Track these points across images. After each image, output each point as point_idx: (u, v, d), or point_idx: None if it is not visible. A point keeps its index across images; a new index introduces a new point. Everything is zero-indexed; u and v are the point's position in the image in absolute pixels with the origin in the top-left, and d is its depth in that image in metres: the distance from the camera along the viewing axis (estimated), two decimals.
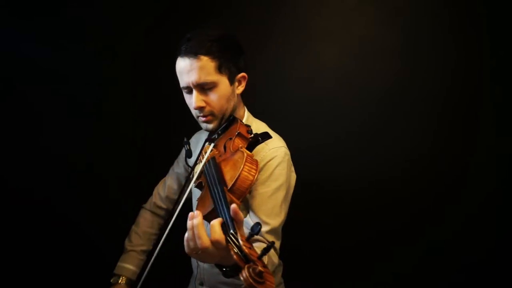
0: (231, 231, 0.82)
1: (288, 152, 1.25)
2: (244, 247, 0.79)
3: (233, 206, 0.85)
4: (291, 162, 1.27)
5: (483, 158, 1.95)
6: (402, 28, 1.94)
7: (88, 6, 1.95)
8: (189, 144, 1.31)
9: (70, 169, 2.02)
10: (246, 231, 0.98)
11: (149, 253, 1.35)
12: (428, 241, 2.02)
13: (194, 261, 1.42)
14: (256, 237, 0.98)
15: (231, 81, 1.21)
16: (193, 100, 1.18)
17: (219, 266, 0.90)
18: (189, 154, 1.28)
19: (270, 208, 1.15)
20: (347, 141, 2.03)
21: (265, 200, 1.15)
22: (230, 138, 1.15)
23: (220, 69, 1.17)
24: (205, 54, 1.14)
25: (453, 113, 1.96)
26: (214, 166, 1.07)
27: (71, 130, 2.01)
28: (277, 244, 1.17)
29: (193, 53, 1.14)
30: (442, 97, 1.96)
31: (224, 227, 0.85)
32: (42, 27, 1.94)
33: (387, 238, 2.04)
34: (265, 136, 1.13)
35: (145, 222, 1.50)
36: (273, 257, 1.12)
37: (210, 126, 1.23)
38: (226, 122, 1.23)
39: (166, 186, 1.51)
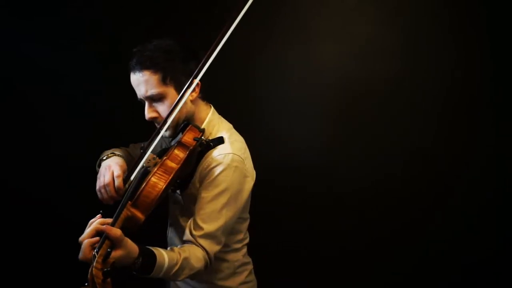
0: (96, 250, 0.93)
1: (237, 159, 1.21)
2: (94, 268, 0.88)
3: (107, 226, 0.95)
4: (244, 168, 1.23)
5: (483, 158, 1.95)
6: (402, 28, 1.94)
7: (88, 6, 1.95)
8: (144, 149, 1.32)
9: (70, 169, 2.02)
10: (187, 231, 1.16)
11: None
12: (428, 241, 2.02)
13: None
14: (191, 239, 1.14)
15: (179, 90, 1.22)
16: (145, 112, 1.24)
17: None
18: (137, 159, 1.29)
19: (208, 212, 1.17)
20: (347, 141, 2.03)
21: (204, 205, 1.17)
22: (172, 147, 1.18)
23: (164, 81, 1.19)
24: (148, 68, 1.18)
25: (453, 113, 1.96)
26: (139, 176, 1.11)
27: (71, 130, 2.01)
28: (214, 248, 1.18)
29: (138, 67, 1.18)
30: (442, 97, 1.96)
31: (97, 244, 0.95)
32: (42, 27, 1.94)
33: (387, 238, 2.04)
34: (216, 142, 1.18)
35: (124, 150, 1.50)
36: (195, 263, 1.13)
37: (167, 133, 1.26)
38: (181, 128, 1.25)
39: (135, 149, 1.52)
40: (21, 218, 2.01)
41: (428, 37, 1.93)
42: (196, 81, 1.21)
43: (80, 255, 0.96)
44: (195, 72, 1.20)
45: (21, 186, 1.98)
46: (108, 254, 0.90)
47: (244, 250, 1.41)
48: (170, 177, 1.07)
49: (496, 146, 1.93)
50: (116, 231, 0.95)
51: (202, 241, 1.16)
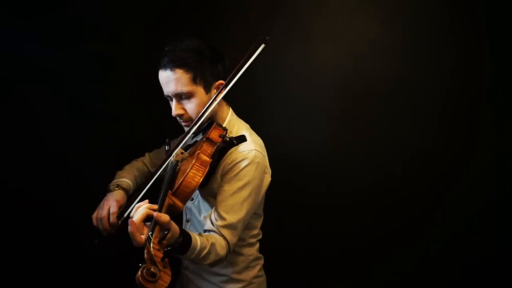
0: (150, 232, 0.96)
1: (260, 155, 1.29)
2: (152, 249, 0.91)
3: (156, 213, 1.00)
4: (264, 165, 1.32)
5: (483, 158, 1.95)
6: (402, 28, 1.94)
7: (88, 6, 1.95)
8: (169, 145, 1.44)
9: (70, 169, 2.02)
10: (209, 221, 1.23)
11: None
12: (428, 241, 2.02)
13: None
14: (213, 228, 1.21)
15: (207, 90, 1.30)
16: (172, 109, 1.30)
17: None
18: (167, 153, 1.37)
19: (230, 204, 1.24)
20: (347, 141, 2.03)
21: (227, 197, 1.24)
22: (200, 143, 1.24)
23: (195, 80, 1.26)
24: (180, 66, 1.24)
25: (453, 113, 1.96)
26: (171, 169, 1.19)
27: (71, 130, 2.01)
28: (234, 239, 1.25)
29: (170, 66, 1.24)
30: (442, 97, 1.96)
31: (148, 227, 0.99)
32: (42, 27, 1.94)
33: (387, 238, 2.04)
34: (239, 140, 1.25)
35: (138, 164, 1.60)
36: (219, 250, 1.20)
37: (191, 130, 1.31)
38: (205, 126, 1.32)
39: (156, 154, 1.63)
40: (21, 217, 2.01)
41: (428, 37, 1.93)
42: (229, 88, 1.28)
43: (133, 242, 0.98)
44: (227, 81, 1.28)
45: (21, 186, 1.98)
46: (164, 236, 0.96)
47: (258, 245, 1.47)
48: (207, 169, 1.16)
49: (496, 146, 1.93)
50: (166, 217, 1.02)
51: (224, 231, 1.22)
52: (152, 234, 0.96)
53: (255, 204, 1.31)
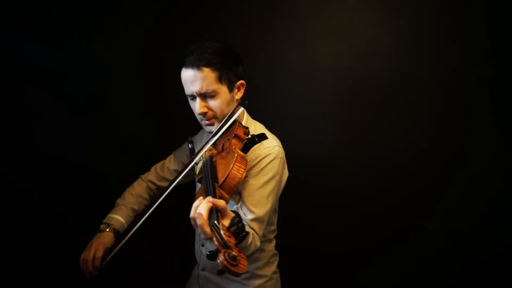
0: (215, 221, 0.98)
1: (282, 151, 1.36)
2: (224, 235, 0.93)
3: (213, 199, 1.02)
4: (285, 160, 1.38)
5: (483, 158, 1.95)
6: (402, 28, 1.94)
7: (88, 6, 1.96)
8: (192, 143, 1.45)
9: (70, 169, 2.02)
10: (240, 213, 1.26)
11: (139, 216, 1.39)
12: (428, 241, 2.02)
13: (197, 250, 1.53)
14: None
15: (231, 89, 1.35)
16: (196, 107, 1.32)
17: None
18: (192, 152, 1.42)
19: (257, 198, 1.28)
20: (347, 141, 2.03)
21: (254, 191, 1.29)
22: (228, 139, 1.28)
23: (220, 79, 1.30)
24: (207, 66, 1.27)
25: (453, 112, 1.96)
26: (209, 164, 1.21)
27: (71, 130, 2.01)
28: (261, 233, 1.29)
29: (196, 65, 1.27)
30: (442, 97, 1.96)
31: (211, 217, 1.00)
32: (42, 27, 1.94)
33: (387, 238, 2.04)
34: (261, 137, 1.26)
35: (140, 187, 1.62)
36: (256, 241, 1.25)
37: (213, 128, 1.36)
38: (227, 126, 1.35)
39: (165, 167, 1.63)
40: (21, 217, 2.01)
41: (428, 37, 1.93)
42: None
43: (203, 235, 0.99)
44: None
45: (21, 185, 1.99)
46: (234, 224, 0.98)
47: (275, 241, 1.53)
48: (247, 164, 1.20)
49: (496, 146, 1.93)
50: (222, 202, 1.04)
51: (253, 224, 1.26)
52: (218, 222, 0.98)
53: (277, 197, 1.38)
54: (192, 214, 1.03)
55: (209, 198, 1.04)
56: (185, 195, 1.49)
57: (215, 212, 1.01)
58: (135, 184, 1.63)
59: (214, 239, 0.95)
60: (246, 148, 1.26)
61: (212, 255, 0.91)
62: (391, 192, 2.02)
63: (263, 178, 1.30)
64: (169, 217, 1.68)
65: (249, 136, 1.27)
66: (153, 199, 1.61)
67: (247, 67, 1.42)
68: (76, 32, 1.97)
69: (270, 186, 1.31)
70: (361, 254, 2.05)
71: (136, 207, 1.56)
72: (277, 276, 1.54)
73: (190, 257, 1.60)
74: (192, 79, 1.29)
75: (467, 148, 1.96)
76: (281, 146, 1.38)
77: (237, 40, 1.98)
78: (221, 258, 0.86)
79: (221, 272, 0.88)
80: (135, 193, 1.59)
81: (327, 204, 2.06)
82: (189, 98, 1.37)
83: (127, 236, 1.33)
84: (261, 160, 1.31)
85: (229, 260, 0.86)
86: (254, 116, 1.51)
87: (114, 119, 2.05)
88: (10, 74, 1.95)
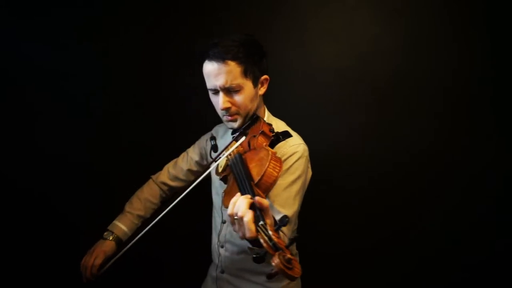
0: (261, 222, 0.90)
1: (307, 149, 1.33)
2: (273, 237, 0.86)
3: (257, 198, 0.93)
4: (309, 158, 1.35)
5: (483, 158, 1.95)
6: (402, 28, 1.94)
7: (88, 6, 1.95)
8: (215, 140, 1.41)
9: (70, 169, 2.02)
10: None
11: (145, 222, 1.42)
12: (428, 241, 2.02)
13: (216, 251, 1.48)
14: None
15: (255, 84, 1.30)
16: (220, 102, 1.26)
17: (252, 252, 0.99)
18: (215, 148, 1.39)
19: (284, 199, 1.23)
20: (347, 141, 2.03)
21: (281, 192, 1.23)
22: (254, 136, 1.22)
23: (245, 73, 1.25)
24: (232, 59, 1.21)
25: (453, 112, 1.96)
26: (240, 162, 1.12)
27: (71, 130, 2.01)
28: (289, 234, 1.24)
29: (221, 58, 1.21)
30: (442, 97, 1.96)
31: (255, 217, 0.93)
32: (42, 27, 1.94)
33: (387, 238, 2.04)
34: (286, 135, 1.22)
35: (150, 191, 1.58)
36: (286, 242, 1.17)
37: (235, 124, 1.31)
38: (250, 121, 1.32)
39: (177, 167, 1.59)
40: (21, 217, 2.01)
41: (428, 37, 1.93)
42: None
43: (248, 234, 0.91)
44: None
45: (20, 186, 1.98)
46: (283, 224, 0.91)
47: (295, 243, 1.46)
48: (282, 162, 1.12)
49: (496, 146, 1.93)
50: (266, 201, 0.96)
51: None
52: (265, 224, 0.90)
53: (303, 197, 1.33)
54: (230, 210, 0.95)
55: (248, 196, 0.96)
56: (197, 195, 1.47)
57: (259, 212, 0.94)
58: (145, 187, 1.59)
59: (262, 240, 0.87)
60: (270, 146, 1.21)
61: (260, 258, 0.86)
62: (391, 192, 2.02)
63: (290, 177, 1.25)
64: (181, 217, 1.66)
65: (274, 133, 1.23)
66: (164, 202, 1.60)
67: None
68: (76, 32, 1.97)
69: (297, 186, 1.26)
70: (361, 254, 2.05)
71: (142, 213, 1.54)
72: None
73: (204, 257, 1.58)
74: (216, 72, 1.22)
75: (467, 148, 1.96)
76: (305, 144, 1.33)
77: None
78: (276, 261, 0.80)
79: (272, 275, 0.83)
80: (143, 198, 1.56)
81: (327, 204, 2.06)
82: (210, 92, 1.30)
83: (127, 247, 1.32)
84: (287, 158, 1.26)
85: (285, 264, 0.80)
86: None
87: (114, 119, 2.05)
88: (10, 74, 1.95)
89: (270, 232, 0.88)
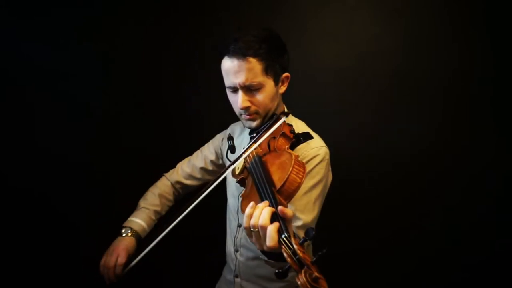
0: (285, 234, 0.83)
1: (328, 152, 1.26)
2: (298, 251, 0.80)
3: (281, 208, 0.86)
4: (330, 162, 1.28)
5: (483, 158, 1.95)
6: (402, 28, 1.94)
7: (88, 6, 1.95)
8: (233, 140, 1.33)
9: (70, 169, 2.02)
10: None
11: (165, 222, 1.28)
12: (428, 241, 2.02)
13: (231, 255, 1.43)
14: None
15: (276, 82, 1.23)
16: (239, 100, 1.19)
17: (273, 266, 0.92)
18: (232, 149, 1.31)
19: (303, 204, 1.17)
20: (347, 141, 2.03)
21: (300, 196, 1.17)
22: (274, 137, 1.15)
23: (267, 71, 1.18)
24: (253, 55, 1.15)
25: (453, 112, 1.96)
26: (260, 165, 1.05)
27: (71, 130, 2.01)
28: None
29: (242, 54, 1.14)
30: (442, 97, 1.96)
31: (278, 229, 0.85)
32: (42, 27, 1.94)
33: (387, 238, 2.04)
34: (307, 136, 1.15)
35: (164, 187, 1.51)
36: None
37: (254, 124, 1.25)
38: (270, 121, 1.24)
39: (191, 165, 1.53)
40: (21, 218, 2.01)
41: (428, 36, 1.93)
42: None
43: (271, 243, 0.84)
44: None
45: (20, 186, 1.98)
46: (309, 237, 0.84)
47: (311, 246, 1.40)
48: (305, 167, 1.03)
49: (496, 146, 1.93)
50: (291, 211, 0.88)
51: (300, 232, 1.14)
52: (289, 236, 0.83)
53: (323, 202, 1.27)
54: (253, 222, 0.86)
55: (270, 205, 0.88)
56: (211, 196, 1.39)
57: (282, 223, 0.85)
58: (159, 183, 1.52)
59: (285, 255, 0.80)
60: (291, 148, 1.13)
61: (283, 273, 0.80)
62: (391, 192, 2.02)
63: (310, 181, 1.18)
64: (194, 219, 1.64)
65: (295, 135, 1.15)
66: (177, 201, 1.53)
67: None
68: (76, 32, 1.97)
69: (318, 191, 1.20)
70: (361, 254, 2.04)
71: (159, 209, 1.46)
72: None
73: (217, 260, 1.56)
74: (237, 69, 1.15)
75: (467, 148, 1.96)
76: (327, 146, 1.27)
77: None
78: (302, 279, 0.74)
79: None
80: (159, 194, 1.48)
81: (327, 204, 2.05)
82: (229, 90, 1.23)
83: (152, 244, 1.20)
84: (308, 161, 1.19)
85: (311, 283, 0.75)
86: None
87: (114, 119, 2.05)
88: (10, 74, 1.95)
89: (295, 246, 0.81)
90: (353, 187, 2.04)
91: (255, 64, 1.15)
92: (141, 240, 1.36)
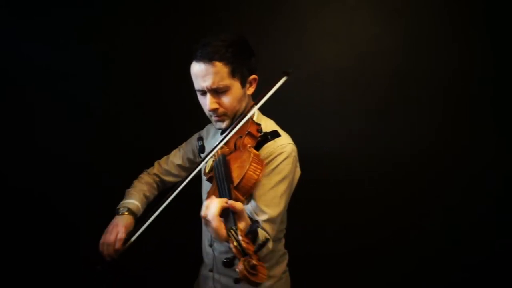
0: (233, 226, 0.91)
1: (295, 149, 1.31)
2: (242, 242, 0.87)
3: (230, 201, 0.95)
4: (297, 158, 1.32)
5: (483, 158, 1.95)
6: (402, 28, 1.94)
7: (88, 6, 1.96)
8: (202, 140, 1.42)
9: (70, 169, 2.02)
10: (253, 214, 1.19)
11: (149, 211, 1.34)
12: (428, 241, 2.02)
13: (205, 250, 1.49)
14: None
15: (243, 84, 1.29)
16: (207, 103, 1.25)
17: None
18: (202, 149, 1.39)
19: (270, 198, 1.22)
20: (347, 141, 2.03)
21: (267, 191, 1.22)
22: (240, 136, 1.21)
23: (233, 74, 1.24)
24: (220, 60, 1.21)
25: (453, 112, 1.96)
26: (223, 163, 1.13)
27: (71, 130, 2.01)
28: (273, 234, 1.23)
29: (208, 58, 1.20)
30: (442, 97, 1.96)
31: (227, 221, 0.94)
32: (42, 27, 1.94)
33: (387, 238, 2.04)
34: (274, 135, 1.22)
35: (147, 177, 1.58)
36: (269, 244, 1.18)
37: (223, 125, 1.31)
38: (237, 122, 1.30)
39: (169, 161, 1.60)
40: (21, 218, 2.01)
41: (428, 36, 1.93)
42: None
43: (217, 238, 0.95)
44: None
45: (20, 186, 1.99)
46: (253, 230, 0.93)
47: (284, 241, 1.47)
48: (263, 164, 1.12)
49: (496, 146, 1.93)
50: (240, 204, 0.97)
51: (266, 226, 1.19)
52: (236, 228, 0.92)
53: (289, 197, 1.32)
54: (203, 213, 0.97)
55: (224, 199, 0.97)
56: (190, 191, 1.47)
57: (232, 215, 0.95)
58: (142, 175, 1.60)
59: (231, 245, 0.88)
60: (258, 146, 1.21)
61: (229, 263, 0.87)
62: (391, 192, 2.02)
63: (276, 177, 1.24)
64: (173, 215, 1.66)
65: (262, 134, 1.22)
66: (160, 194, 1.58)
67: None
68: (76, 32, 1.97)
69: (283, 186, 1.25)
70: (361, 254, 2.05)
71: (148, 193, 1.52)
72: (286, 275, 1.50)
73: (197, 256, 1.59)
74: (204, 73, 1.22)
75: (467, 148, 1.96)
76: (293, 143, 1.32)
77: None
78: (240, 267, 0.82)
79: (238, 280, 0.83)
80: (145, 182, 1.55)
81: (327, 204, 2.06)
82: (198, 93, 1.30)
83: (150, 220, 1.27)
84: (274, 158, 1.24)
85: (249, 270, 0.81)
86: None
87: (114, 119, 2.05)
88: (10, 74, 1.95)
89: (240, 237, 0.88)
90: (353, 187, 2.04)
91: (221, 67, 1.21)
92: (137, 219, 1.41)
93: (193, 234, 1.57)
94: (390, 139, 2.00)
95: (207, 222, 0.96)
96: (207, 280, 1.47)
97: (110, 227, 1.35)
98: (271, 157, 1.25)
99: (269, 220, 1.21)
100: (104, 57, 1.99)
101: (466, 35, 1.92)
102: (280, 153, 1.25)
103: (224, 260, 0.86)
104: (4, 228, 1.98)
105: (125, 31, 1.99)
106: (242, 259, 0.83)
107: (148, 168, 1.68)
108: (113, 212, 1.62)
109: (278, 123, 1.46)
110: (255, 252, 0.87)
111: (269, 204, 1.22)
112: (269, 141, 1.22)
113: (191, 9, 2.00)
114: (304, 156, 2.04)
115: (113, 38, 1.99)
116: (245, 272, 0.81)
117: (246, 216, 1.00)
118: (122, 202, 1.46)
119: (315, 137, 2.05)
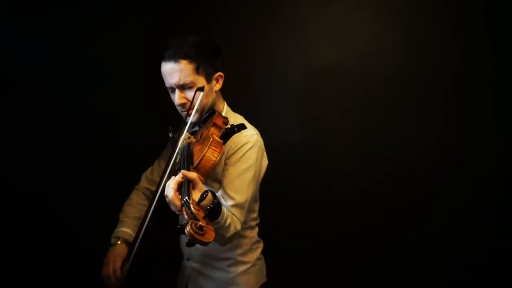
0: (186, 197, 1.04)
1: (260, 139, 1.42)
2: (193, 209, 0.99)
3: (184, 171, 1.11)
4: (264, 148, 1.44)
5: (483, 158, 1.95)
6: (402, 28, 1.94)
7: (88, 5, 1.95)
8: (173, 132, 1.53)
9: (70, 169, 2.02)
10: (222, 200, 1.31)
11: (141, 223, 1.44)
12: (428, 241, 2.02)
13: (182, 241, 1.56)
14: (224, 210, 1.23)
15: (208, 80, 1.39)
16: (176, 98, 1.38)
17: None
18: (172, 141, 1.50)
19: (237, 185, 1.33)
20: (347, 141, 2.03)
21: (234, 179, 1.33)
22: (207, 128, 1.34)
23: (197, 71, 1.35)
24: (184, 58, 1.33)
25: (453, 113, 1.96)
26: (187, 151, 1.28)
27: (71, 130, 2.01)
28: (241, 219, 1.33)
29: (174, 58, 1.34)
30: (442, 97, 1.96)
31: (182, 194, 1.07)
32: (42, 27, 1.94)
33: (387, 238, 2.04)
34: (240, 127, 1.35)
35: (136, 197, 1.66)
36: (236, 224, 1.29)
37: (194, 119, 1.40)
38: (207, 115, 1.42)
39: (154, 171, 1.68)
40: (21, 218, 2.01)
41: (428, 36, 1.93)
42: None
43: (174, 208, 1.09)
44: None
45: (20, 186, 1.98)
46: (202, 199, 1.05)
47: (257, 229, 1.57)
48: (222, 149, 1.26)
49: (496, 146, 1.93)
50: (194, 174, 1.13)
51: (234, 210, 1.30)
52: (189, 198, 1.04)
53: (257, 185, 1.43)
54: (165, 192, 1.10)
55: (180, 175, 1.10)
56: None
57: (186, 189, 1.07)
58: (132, 195, 1.66)
59: (185, 213, 0.99)
60: (225, 137, 1.32)
61: (181, 228, 0.94)
62: (391, 192, 2.02)
63: (243, 165, 1.34)
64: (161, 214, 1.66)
65: (228, 126, 1.34)
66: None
67: (246, 68, 1.44)
68: (76, 32, 1.97)
69: (250, 174, 1.35)
70: (361, 254, 2.04)
71: (138, 215, 1.58)
72: (261, 262, 1.57)
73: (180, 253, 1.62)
74: (171, 71, 1.34)
75: (467, 148, 1.96)
76: (259, 135, 1.42)
77: (237, 40, 1.99)
78: (187, 228, 0.91)
79: (189, 243, 0.92)
80: (135, 203, 1.62)
81: (327, 204, 2.06)
82: (169, 91, 1.42)
83: (138, 241, 1.38)
84: (239, 148, 1.35)
85: (195, 229, 0.91)
86: (254, 116, 1.52)
87: (114, 119, 2.05)
88: (10, 74, 1.95)
89: (191, 206, 1.00)
90: (353, 187, 2.04)
91: (186, 65, 1.33)
92: (131, 244, 1.48)
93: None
94: (390, 139, 2.00)
95: (167, 199, 1.08)
96: (185, 269, 1.55)
97: (106, 260, 1.46)
98: (237, 147, 1.36)
99: (236, 205, 1.31)
100: (104, 57, 1.99)
101: (466, 35, 1.92)
102: (246, 143, 1.36)
103: (178, 226, 0.95)
104: (4, 228, 1.98)
105: (125, 31, 1.99)
106: (190, 221, 0.93)
107: (146, 169, 1.69)
108: (113, 212, 1.63)
109: (278, 123, 1.48)
110: (205, 217, 1.00)
111: (236, 191, 1.32)
112: (236, 133, 1.34)
113: (191, 9, 2.00)
114: (303, 156, 2.06)
115: (113, 38, 1.99)
116: (192, 231, 0.90)
117: (201, 187, 1.12)
118: (114, 231, 1.55)
119: (315, 137, 2.05)
